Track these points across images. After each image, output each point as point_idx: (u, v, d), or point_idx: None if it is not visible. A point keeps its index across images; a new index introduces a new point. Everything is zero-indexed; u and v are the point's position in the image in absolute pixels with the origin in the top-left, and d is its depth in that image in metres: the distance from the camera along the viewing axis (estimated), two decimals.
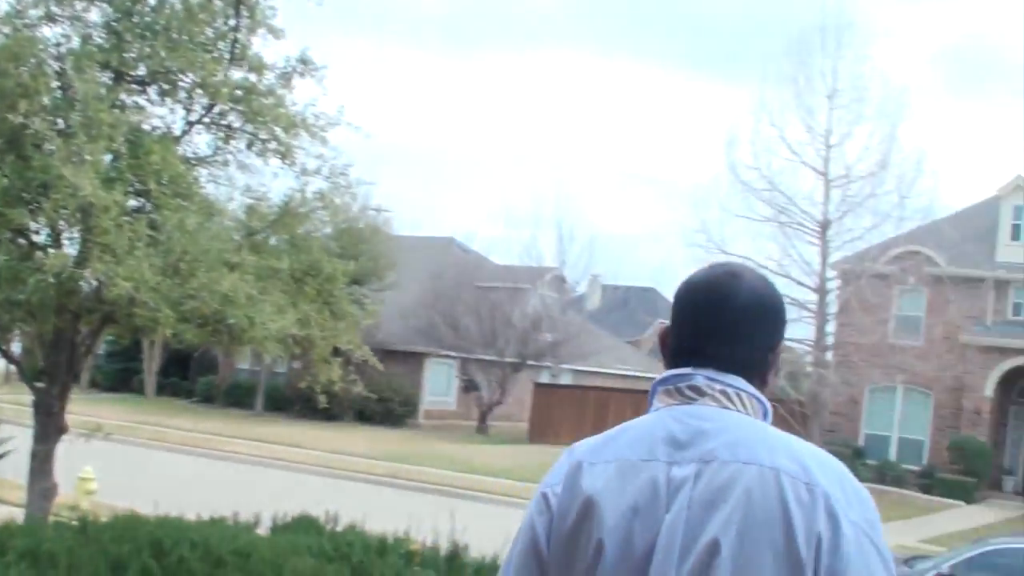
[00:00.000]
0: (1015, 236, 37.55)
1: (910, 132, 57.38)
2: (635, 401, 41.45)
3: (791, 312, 33.10)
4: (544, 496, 2.17)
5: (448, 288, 43.31)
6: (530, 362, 43.96)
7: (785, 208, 34.10)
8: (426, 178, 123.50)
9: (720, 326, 2.22)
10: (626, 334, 63.90)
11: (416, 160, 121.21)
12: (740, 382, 2.18)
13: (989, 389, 35.88)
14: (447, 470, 28.22)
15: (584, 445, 2.22)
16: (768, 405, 2.21)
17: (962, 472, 33.51)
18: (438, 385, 46.40)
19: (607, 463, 2.12)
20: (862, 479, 2.17)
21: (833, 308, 35.48)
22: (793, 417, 29.07)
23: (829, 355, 35.95)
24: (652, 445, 2.11)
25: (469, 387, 45.07)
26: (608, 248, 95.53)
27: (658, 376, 2.27)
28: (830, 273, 35.22)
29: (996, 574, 12.85)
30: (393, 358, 33.01)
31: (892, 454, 37.37)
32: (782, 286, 32.13)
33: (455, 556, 8.99)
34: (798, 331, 33.70)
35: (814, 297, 34.48)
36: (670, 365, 2.26)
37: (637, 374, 54.73)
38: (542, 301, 45.40)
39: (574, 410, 41.66)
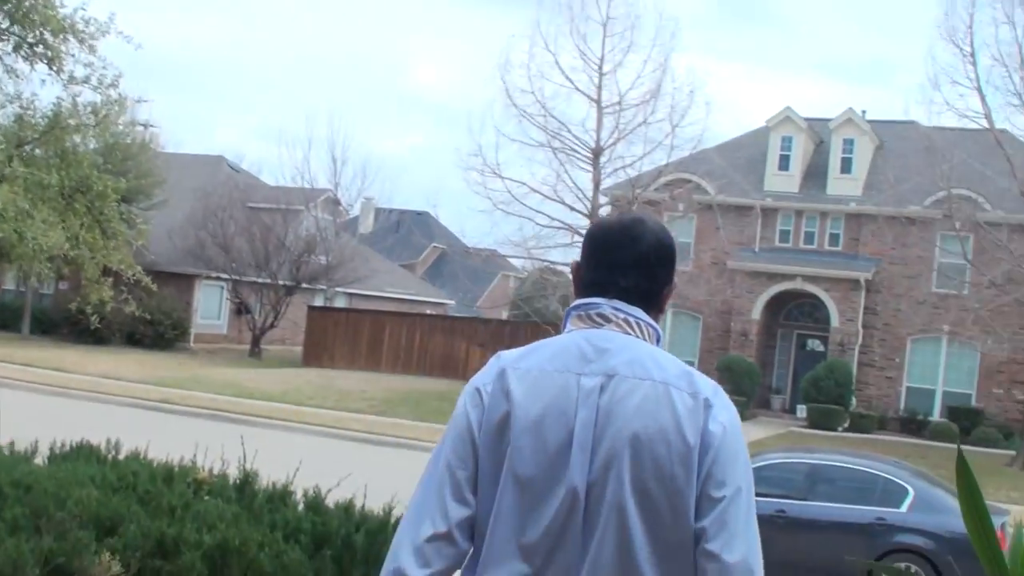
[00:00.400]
0: (782, 166, 39.00)
1: (683, 62, 58.56)
2: (410, 323, 41.44)
3: (564, 237, 33.55)
4: (477, 391, 2.59)
5: (218, 208, 42.13)
6: (304, 285, 43.42)
7: (558, 134, 34.25)
8: (195, 95, 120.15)
9: (628, 263, 2.66)
10: (401, 257, 63.79)
11: (184, 75, 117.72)
12: (640, 312, 2.65)
13: (757, 312, 37.42)
14: (222, 395, 27.63)
15: (509, 354, 2.64)
16: (660, 332, 2.68)
17: (731, 391, 34.32)
18: (209, 308, 45.31)
19: (528, 370, 2.56)
20: None
21: None
22: None
23: None
24: (566, 359, 2.56)
25: (241, 310, 44.21)
26: (382, 171, 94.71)
27: (572, 304, 2.72)
28: (602, 199, 35.72)
29: (771, 487, 13.42)
30: (162, 279, 31.85)
31: None
32: (555, 211, 32.43)
33: (246, 483, 8.67)
34: (570, 256, 34.10)
35: (586, 222, 34.92)
36: (582, 295, 2.70)
37: (412, 297, 54.75)
38: (316, 223, 44.71)
39: (349, 333, 41.43)
